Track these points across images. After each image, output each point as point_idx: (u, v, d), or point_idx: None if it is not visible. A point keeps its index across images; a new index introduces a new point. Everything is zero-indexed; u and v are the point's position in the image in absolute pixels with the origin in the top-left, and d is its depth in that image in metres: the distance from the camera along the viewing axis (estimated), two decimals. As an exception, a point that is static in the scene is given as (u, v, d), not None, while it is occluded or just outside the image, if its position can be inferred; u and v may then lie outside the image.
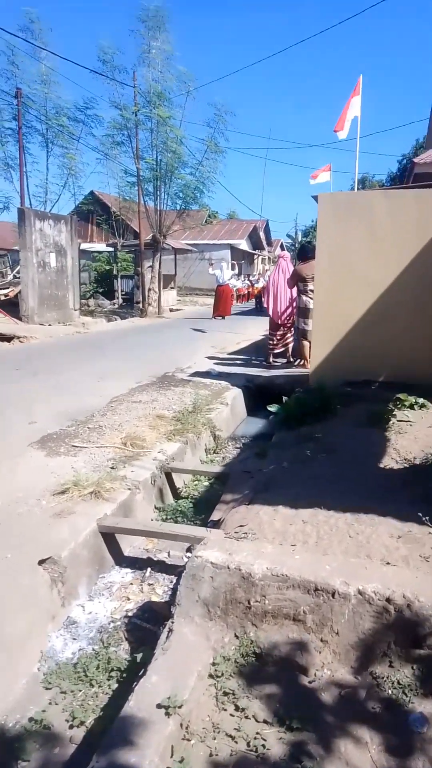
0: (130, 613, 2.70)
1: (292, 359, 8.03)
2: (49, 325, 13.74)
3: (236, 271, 28.98)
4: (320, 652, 2.04)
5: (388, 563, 2.31)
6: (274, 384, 6.69)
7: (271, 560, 2.26)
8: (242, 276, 31.02)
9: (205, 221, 34.94)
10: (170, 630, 2.15)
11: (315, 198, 7.27)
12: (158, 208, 17.64)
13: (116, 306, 21.32)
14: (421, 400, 4.75)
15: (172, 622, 2.19)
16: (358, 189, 10.26)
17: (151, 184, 17.16)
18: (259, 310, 18.54)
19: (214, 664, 2.04)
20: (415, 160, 12.45)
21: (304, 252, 7.61)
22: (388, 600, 2.02)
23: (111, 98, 16.50)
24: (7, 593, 2.39)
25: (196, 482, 4.45)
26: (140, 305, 18.25)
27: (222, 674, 2.00)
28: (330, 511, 2.92)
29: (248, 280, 29.33)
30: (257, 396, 6.67)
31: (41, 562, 2.64)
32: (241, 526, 2.94)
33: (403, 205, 5.56)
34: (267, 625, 2.14)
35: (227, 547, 2.38)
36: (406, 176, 17.36)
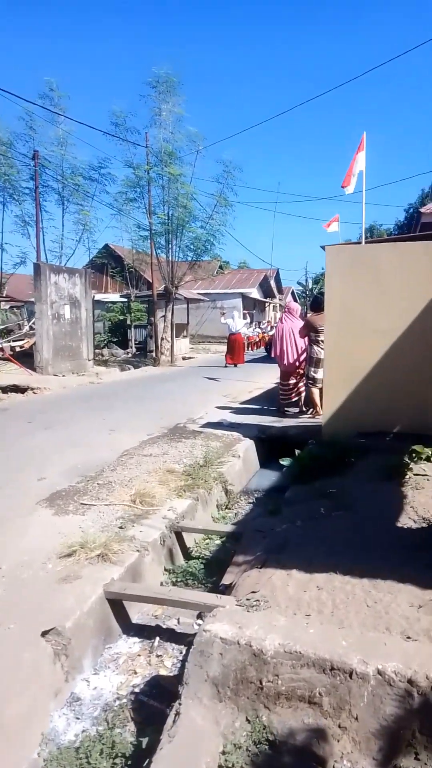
0: (137, 689, 2.56)
1: (304, 408, 7.96)
2: (63, 375, 13.87)
3: (248, 320, 29.18)
4: (339, 740, 1.89)
5: (408, 637, 2.17)
6: (287, 435, 6.59)
7: (283, 635, 2.14)
8: (254, 324, 31.32)
9: (217, 271, 35.73)
10: (177, 713, 2.01)
11: (324, 248, 7.39)
12: (170, 260, 18.05)
13: (130, 355, 21.54)
14: (437, 453, 4.62)
15: (180, 704, 2.05)
16: (366, 238, 10.44)
17: (163, 237, 17.64)
18: (271, 357, 18.58)
19: (224, 753, 1.90)
20: (422, 210, 12.70)
21: (317, 303, 7.66)
22: (410, 681, 1.88)
23: (124, 158, 17.21)
24: (8, 670, 2.27)
25: (208, 541, 4.32)
26: (153, 354, 18.44)
27: (233, 765, 1.85)
28: (346, 576, 2.79)
29: (259, 328, 29.65)
30: (270, 447, 6.56)
31: (44, 634, 2.52)
32: (253, 592, 2.81)
33: (412, 255, 5.59)
34: (281, 708, 1.99)
35: (237, 619, 2.26)
36: (414, 225, 17.67)
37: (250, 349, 24.65)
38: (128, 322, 23.41)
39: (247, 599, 2.71)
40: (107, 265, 28.97)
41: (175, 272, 18.19)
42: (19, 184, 16.68)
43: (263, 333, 27.54)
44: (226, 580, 3.34)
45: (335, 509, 3.80)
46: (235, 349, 17.01)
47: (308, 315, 8.21)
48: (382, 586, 2.65)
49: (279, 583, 2.84)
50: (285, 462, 4.93)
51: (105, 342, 23.25)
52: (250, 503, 5.22)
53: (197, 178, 17.90)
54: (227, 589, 3.13)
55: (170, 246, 17.74)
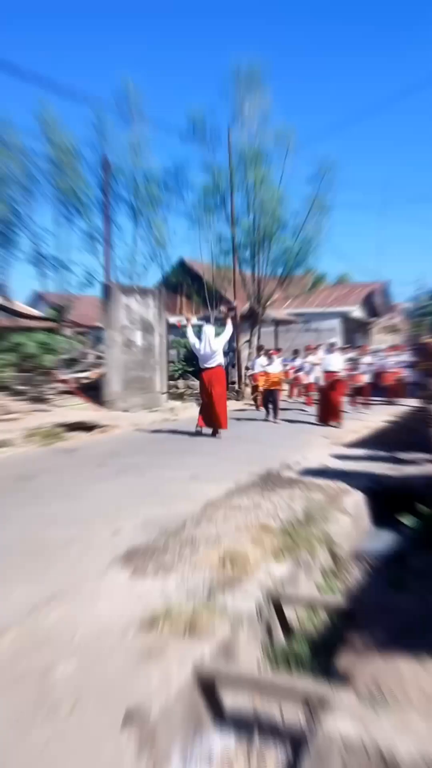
0: (234, 795, 2.52)
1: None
2: (134, 411, 14.34)
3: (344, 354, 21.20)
4: None
5: None
6: (409, 487, 6.39)
7: (421, 738, 2.04)
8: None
9: (311, 287, 35.73)
10: None
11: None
12: (256, 276, 18.33)
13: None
14: None
15: None
16: None
17: (247, 250, 17.98)
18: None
19: None
20: None
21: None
22: None
23: (203, 161, 17.89)
24: (88, 762, 2.31)
25: (313, 616, 4.23)
26: (236, 386, 18.63)
27: None
28: None
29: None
30: (385, 502, 6.38)
31: (127, 719, 2.56)
32: (376, 684, 2.72)
33: None
34: None
35: (362, 716, 2.19)
36: None
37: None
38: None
39: (371, 692, 2.63)
40: (183, 283, 29.93)
41: (263, 290, 18.43)
42: (86, 196, 17.76)
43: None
44: (340, 666, 3.24)
45: None
46: (331, 401, 12.70)
47: (428, 340, 8.02)
48: None
49: (410, 676, 2.73)
50: (407, 521, 4.77)
51: (180, 372, 23.82)
52: (363, 571, 5.07)
53: (288, 180, 18.26)
54: (343, 679, 3.04)
55: (256, 260, 18.05)
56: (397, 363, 17.71)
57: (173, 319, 30.00)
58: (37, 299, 34.24)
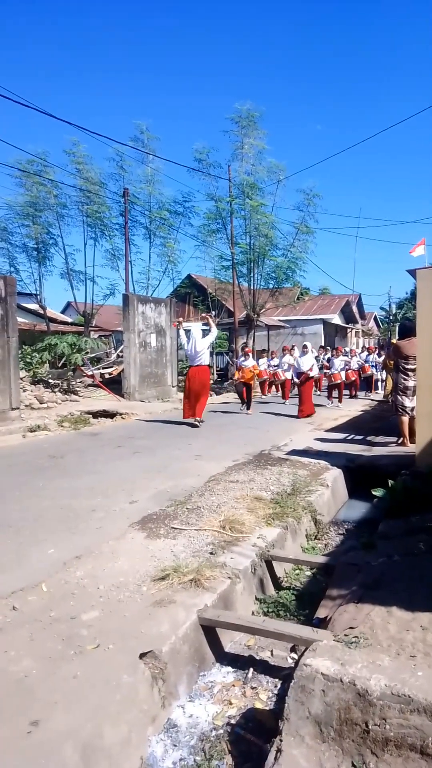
0: (232, 720, 2.51)
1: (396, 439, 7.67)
2: (149, 401, 14.30)
3: (318, 353, 18.12)
4: (456, 798, 1.75)
5: None
6: (378, 465, 6.36)
7: (390, 676, 2.03)
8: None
9: (298, 298, 35.56)
10: (279, 750, 1.95)
11: (411, 272, 7.17)
12: (252, 288, 18.28)
13: (212, 382, 21.82)
14: None
15: (281, 740, 1.99)
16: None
17: (244, 266, 17.94)
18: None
19: (329, 798, 1.81)
20: None
21: (405, 329, 7.43)
22: None
23: (207, 191, 17.82)
24: (109, 692, 2.31)
25: (298, 572, 4.22)
26: (234, 380, 18.60)
27: None
28: (453, 617, 2.61)
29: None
30: (358, 477, 6.36)
31: (142, 656, 2.55)
32: (351, 628, 2.71)
33: None
34: (389, 756, 1.88)
35: (339, 655, 2.18)
36: None
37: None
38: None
39: (346, 635, 2.61)
40: (190, 294, 29.83)
41: (257, 300, 18.37)
42: (110, 220, 17.72)
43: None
44: (321, 613, 3.23)
45: (436, 544, 3.60)
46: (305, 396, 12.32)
47: (395, 341, 7.98)
48: None
49: (379, 621, 2.71)
50: (377, 493, 4.75)
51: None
52: (340, 534, 5.06)
53: (278, 207, 18.21)
54: (322, 623, 3.03)
55: (252, 274, 18.00)
56: (365, 362, 17.50)
57: (184, 325, 29.95)
58: (68, 307, 34.27)
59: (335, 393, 14.33)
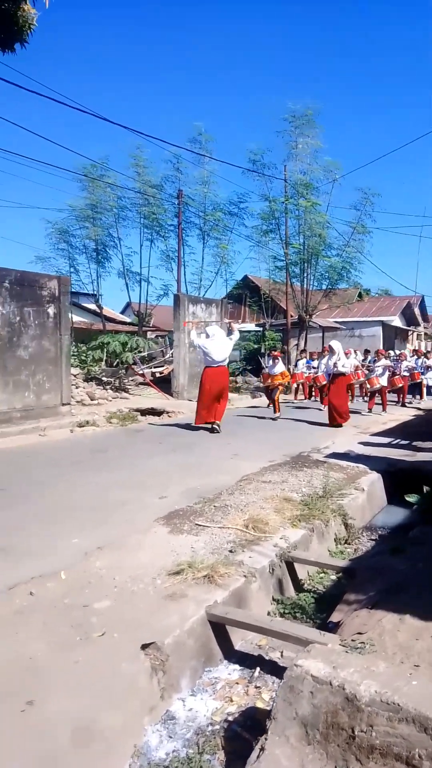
0: (231, 717, 2.51)
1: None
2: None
3: (357, 356, 15.83)
4: None
5: None
6: (419, 470, 6.14)
7: (382, 682, 1.96)
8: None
9: (356, 298, 34.83)
10: (262, 748, 1.93)
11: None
12: (304, 289, 18.08)
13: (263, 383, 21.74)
14: None
15: (266, 739, 1.97)
16: None
17: (297, 266, 17.75)
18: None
19: (308, 801, 1.78)
20: None
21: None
22: None
23: (261, 192, 17.77)
24: (108, 678, 2.36)
25: (322, 575, 4.14)
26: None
27: None
28: (467, 629, 2.50)
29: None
30: (400, 482, 6.16)
31: (144, 647, 2.59)
32: (359, 633, 2.64)
33: None
34: (374, 764, 1.82)
35: (333, 659, 2.13)
36: None
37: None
38: (262, 350, 23.75)
39: (353, 640, 2.55)
40: (245, 295, 29.85)
41: (309, 301, 18.15)
42: (165, 222, 18.03)
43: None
44: (335, 617, 3.17)
45: (464, 554, 3.44)
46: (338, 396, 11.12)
47: None
48: None
49: (389, 627, 2.63)
50: (411, 499, 4.59)
51: (240, 370, 23.77)
52: (372, 540, 4.92)
53: (333, 206, 17.91)
54: (335, 627, 2.97)
55: (305, 275, 17.79)
56: (413, 367, 15.18)
57: (238, 326, 29.98)
58: (128, 308, 35.06)
59: (377, 400, 12.68)
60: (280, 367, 11.65)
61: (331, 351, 10.68)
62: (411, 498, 4.60)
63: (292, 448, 7.47)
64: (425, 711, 1.81)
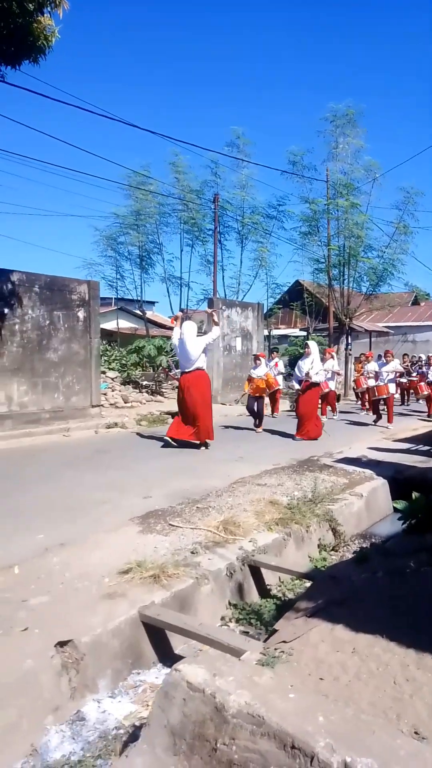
0: (139, 723, 2.42)
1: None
2: (229, 405, 14.33)
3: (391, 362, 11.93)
4: None
5: (417, 733, 1.69)
6: (426, 476, 5.80)
7: (256, 694, 1.83)
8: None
9: (412, 302, 33.70)
10: (126, 756, 1.84)
11: None
12: (343, 291, 17.64)
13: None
14: None
15: (134, 747, 1.88)
16: None
17: (336, 269, 17.36)
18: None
19: None
20: None
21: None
22: (376, 789, 1.45)
23: (300, 194, 17.51)
24: (7, 676, 2.33)
25: (296, 582, 3.96)
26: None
27: None
28: (392, 643, 2.31)
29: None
30: (407, 489, 5.82)
31: (61, 644, 2.55)
32: (283, 642, 2.49)
33: None
34: (230, 781, 1.69)
35: (218, 666, 2.01)
36: None
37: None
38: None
39: (275, 649, 2.41)
40: (294, 300, 29.48)
41: (350, 304, 17.68)
42: (204, 226, 18.12)
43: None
44: (277, 625, 3.00)
45: (429, 565, 3.19)
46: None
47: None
48: (430, 665, 2.12)
49: (315, 638, 2.47)
50: (398, 506, 4.32)
51: (284, 375, 23.43)
52: (362, 548, 4.67)
53: (373, 207, 17.36)
54: (269, 636, 2.82)
55: (344, 277, 17.37)
56: None
57: (287, 331, 29.70)
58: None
59: (382, 410, 10.88)
60: (262, 369, 10.28)
61: (306, 352, 9.17)
62: (398, 504, 4.32)
63: (305, 452, 7.26)
64: (287, 727, 1.67)
